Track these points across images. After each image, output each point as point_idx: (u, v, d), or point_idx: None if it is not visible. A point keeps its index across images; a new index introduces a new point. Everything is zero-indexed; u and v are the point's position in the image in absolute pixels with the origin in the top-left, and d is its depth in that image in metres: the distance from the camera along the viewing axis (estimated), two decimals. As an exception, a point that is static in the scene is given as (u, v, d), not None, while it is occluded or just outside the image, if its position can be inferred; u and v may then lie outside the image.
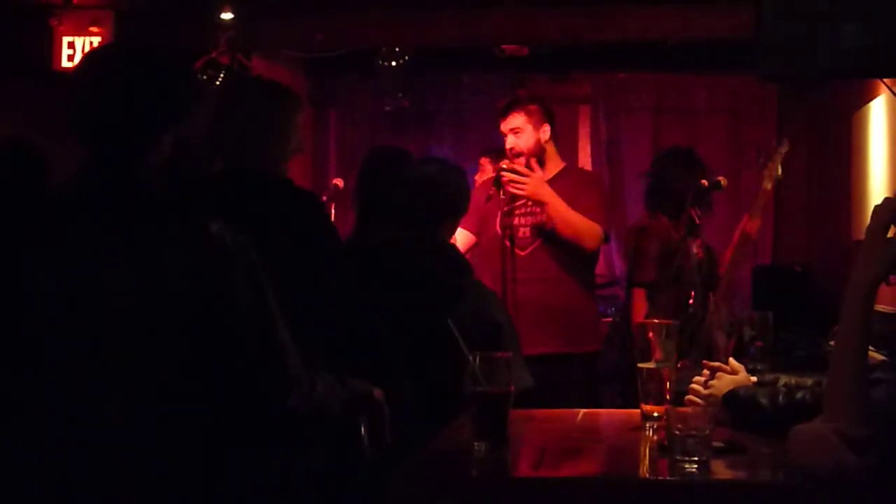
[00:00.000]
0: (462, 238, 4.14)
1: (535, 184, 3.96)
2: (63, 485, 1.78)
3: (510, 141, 4.13)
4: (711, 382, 2.32)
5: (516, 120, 4.12)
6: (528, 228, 4.11)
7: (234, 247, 1.86)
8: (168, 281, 1.81)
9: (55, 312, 1.79)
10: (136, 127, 1.89)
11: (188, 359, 1.82)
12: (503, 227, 4.10)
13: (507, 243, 4.07)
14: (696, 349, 3.72)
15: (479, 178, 5.14)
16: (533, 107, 4.14)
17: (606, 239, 4.12)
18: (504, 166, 4.13)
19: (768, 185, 4.06)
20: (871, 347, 3.82)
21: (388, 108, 6.80)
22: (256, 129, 2.67)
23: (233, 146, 2.67)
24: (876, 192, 4.92)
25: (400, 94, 6.59)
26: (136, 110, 1.89)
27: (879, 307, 4.54)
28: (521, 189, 3.95)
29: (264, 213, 2.47)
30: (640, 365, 2.28)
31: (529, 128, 4.11)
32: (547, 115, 4.18)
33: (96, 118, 1.89)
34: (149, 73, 1.92)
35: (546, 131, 4.14)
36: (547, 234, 4.04)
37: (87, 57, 2.01)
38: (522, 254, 4.08)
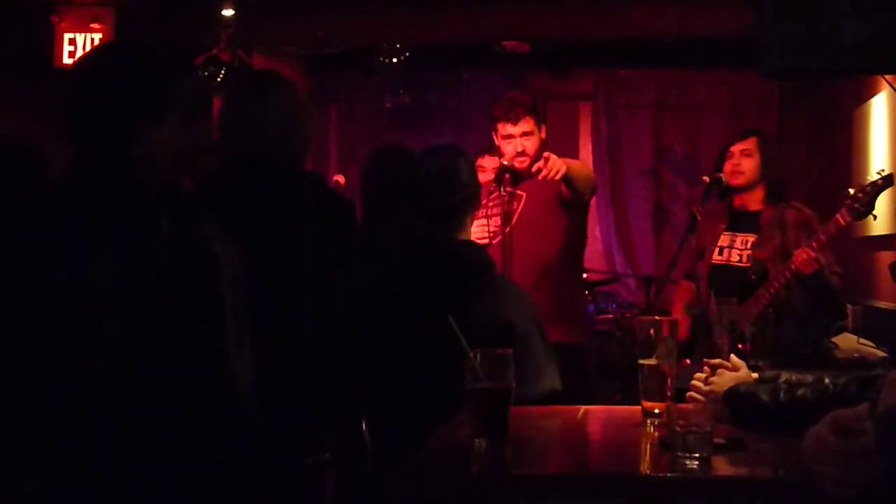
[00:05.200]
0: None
1: (555, 161, 3.91)
2: (62, 474, 1.80)
3: (519, 144, 4.11)
4: (712, 379, 2.32)
5: (527, 124, 4.12)
6: (499, 218, 4.11)
7: (221, 250, 1.88)
8: (155, 278, 1.83)
9: (50, 307, 1.81)
10: (117, 121, 1.91)
11: (168, 354, 1.85)
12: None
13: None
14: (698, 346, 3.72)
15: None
16: (537, 108, 4.18)
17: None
18: (505, 163, 4.13)
19: (845, 219, 3.72)
20: (871, 344, 3.82)
21: (388, 105, 6.80)
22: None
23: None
24: (877, 189, 4.92)
25: (400, 91, 6.59)
26: (115, 104, 1.91)
27: (879, 304, 4.55)
28: (558, 169, 3.86)
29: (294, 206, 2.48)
30: (641, 361, 2.28)
31: (536, 130, 4.14)
32: (543, 115, 4.21)
33: (78, 115, 1.91)
34: (126, 67, 1.94)
35: (543, 130, 4.18)
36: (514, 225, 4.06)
37: (76, 61, 2.04)
38: (494, 242, 4.08)
